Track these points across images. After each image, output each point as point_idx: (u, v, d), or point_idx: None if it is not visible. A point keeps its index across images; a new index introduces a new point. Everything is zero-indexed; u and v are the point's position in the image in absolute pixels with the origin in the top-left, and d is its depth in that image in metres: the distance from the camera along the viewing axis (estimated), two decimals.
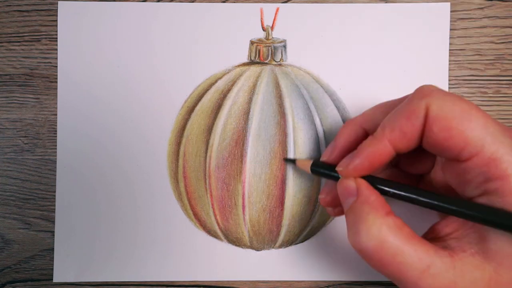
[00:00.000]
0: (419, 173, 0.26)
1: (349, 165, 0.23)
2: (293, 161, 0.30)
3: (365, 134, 0.25)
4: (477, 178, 0.21)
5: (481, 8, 0.32)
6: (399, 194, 0.23)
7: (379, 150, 0.22)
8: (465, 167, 0.21)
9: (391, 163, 0.27)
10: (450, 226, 0.22)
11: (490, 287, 0.20)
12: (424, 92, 0.22)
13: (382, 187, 0.23)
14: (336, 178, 0.25)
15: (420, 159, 0.26)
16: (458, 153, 0.21)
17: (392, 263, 0.20)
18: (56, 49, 0.32)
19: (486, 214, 0.20)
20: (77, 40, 0.32)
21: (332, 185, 0.26)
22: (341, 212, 0.27)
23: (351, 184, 0.23)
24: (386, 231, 0.21)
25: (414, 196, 0.22)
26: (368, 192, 0.23)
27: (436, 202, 0.22)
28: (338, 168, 0.24)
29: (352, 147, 0.25)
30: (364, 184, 0.23)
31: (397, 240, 0.20)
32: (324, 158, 0.27)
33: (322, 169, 0.26)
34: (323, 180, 0.31)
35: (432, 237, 0.23)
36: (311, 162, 0.27)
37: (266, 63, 0.32)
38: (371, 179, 0.24)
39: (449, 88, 0.32)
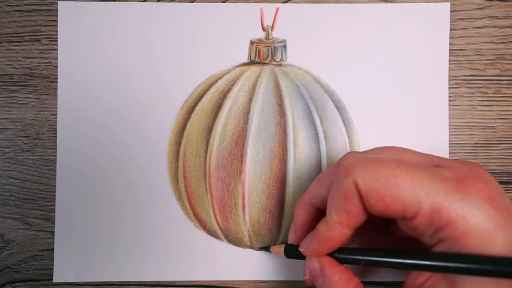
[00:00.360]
0: (384, 221, 0.27)
1: (309, 247, 0.24)
2: (267, 249, 0.30)
3: (317, 210, 0.26)
4: (428, 230, 0.21)
5: (481, 8, 0.32)
6: (367, 260, 0.23)
7: (333, 234, 0.23)
8: (414, 224, 0.21)
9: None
10: (421, 276, 0.23)
11: None
12: (347, 168, 0.22)
13: (351, 257, 0.24)
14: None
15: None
16: (402, 215, 0.21)
17: None
18: (56, 49, 0.32)
19: (446, 262, 0.20)
20: (77, 40, 0.32)
21: None
22: None
23: (315, 265, 0.24)
24: None
25: (379, 259, 0.23)
26: (331, 272, 0.23)
27: (401, 261, 0.22)
28: (300, 249, 0.25)
29: (310, 225, 0.26)
30: (327, 262, 0.24)
31: None
32: (290, 240, 0.27)
33: (294, 252, 0.27)
34: None
35: None
36: (283, 246, 0.28)
37: (266, 63, 0.32)
38: (337, 251, 0.24)
39: (449, 88, 0.32)
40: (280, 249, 0.28)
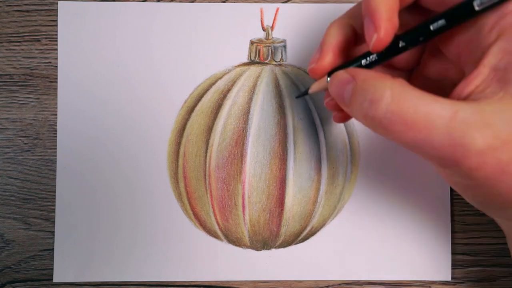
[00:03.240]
0: (408, 68, 0.25)
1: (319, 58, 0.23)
2: (304, 93, 0.28)
3: (353, 31, 0.24)
4: (490, 20, 0.19)
5: None
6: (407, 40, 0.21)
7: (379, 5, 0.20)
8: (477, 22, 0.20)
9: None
10: (475, 79, 0.20)
11: None
12: None
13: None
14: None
15: (409, 53, 0.24)
16: None
17: (415, 118, 0.18)
18: (56, 49, 0.32)
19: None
20: (77, 40, 0.32)
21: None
22: (344, 117, 0.26)
23: (344, 74, 0.22)
24: (400, 89, 0.19)
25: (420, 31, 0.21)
26: (365, 71, 0.21)
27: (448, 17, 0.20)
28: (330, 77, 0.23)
29: (341, 48, 0.24)
30: (356, 68, 0.22)
31: (416, 92, 0.19)
32: (312, 65, 0.24)
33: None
34: (323, 181, 0.31)
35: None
36: (325, 79, 0.25)
37: (266, 63, 0.32)
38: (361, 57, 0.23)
39: None
40: (320, 83, 0.25)
